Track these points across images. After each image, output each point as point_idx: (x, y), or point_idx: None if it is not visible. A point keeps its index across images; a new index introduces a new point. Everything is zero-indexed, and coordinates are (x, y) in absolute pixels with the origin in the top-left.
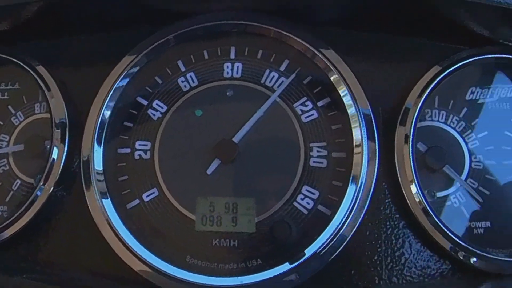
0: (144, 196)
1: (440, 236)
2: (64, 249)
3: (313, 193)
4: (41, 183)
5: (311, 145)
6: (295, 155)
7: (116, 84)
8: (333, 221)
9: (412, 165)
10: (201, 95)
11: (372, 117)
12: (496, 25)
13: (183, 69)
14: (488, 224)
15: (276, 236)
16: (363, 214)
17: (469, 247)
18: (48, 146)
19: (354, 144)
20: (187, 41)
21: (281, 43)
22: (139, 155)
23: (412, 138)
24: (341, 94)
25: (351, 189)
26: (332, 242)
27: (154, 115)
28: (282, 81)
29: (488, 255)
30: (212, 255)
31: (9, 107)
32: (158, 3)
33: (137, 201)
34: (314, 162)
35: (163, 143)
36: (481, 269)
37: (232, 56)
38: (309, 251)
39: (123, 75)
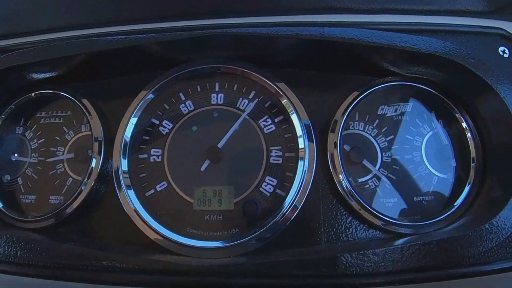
0: (157, 187)
1: (362, 210)
2: (101, 225)
3: (272, 181)
4: (86, 180)
5: (271, 148)
6: (260, 155)
7: (136, 110)
8: (286, 200)
9: (340, 160)
10: (196, 116)
11: (311, 128)
12: (396, 62)
13: (183, 98)
14: (395, 199)
15: (247, 212)
16: (306, 195)
17: (383, 216)
18: (90, 154)
19: (300, 147)
20: (186, 79)
21: (249, 80)
22: (153, 159)
23: (340, 142)
24: (290, 113)
25: (298, 178)
26: (286, 214)
27: (163, 131)
28: (250, 105)
29: (395, 221)
30: (205, 226)
31: (64, 127)
32: (167, 53)
33: (152, 191)
34: (273, 160)
35: (170, 150)
36: (392, 231)
37: (217, 89)
38: (270, 221)
39: (140, 103)
